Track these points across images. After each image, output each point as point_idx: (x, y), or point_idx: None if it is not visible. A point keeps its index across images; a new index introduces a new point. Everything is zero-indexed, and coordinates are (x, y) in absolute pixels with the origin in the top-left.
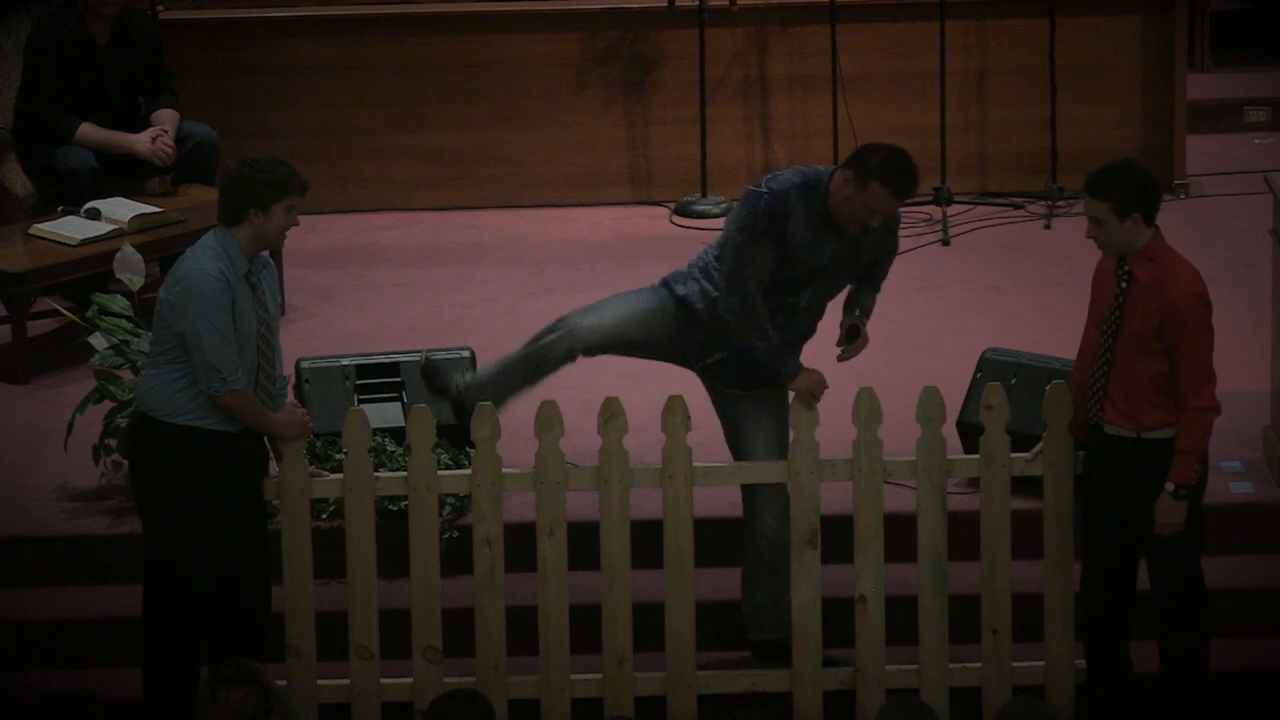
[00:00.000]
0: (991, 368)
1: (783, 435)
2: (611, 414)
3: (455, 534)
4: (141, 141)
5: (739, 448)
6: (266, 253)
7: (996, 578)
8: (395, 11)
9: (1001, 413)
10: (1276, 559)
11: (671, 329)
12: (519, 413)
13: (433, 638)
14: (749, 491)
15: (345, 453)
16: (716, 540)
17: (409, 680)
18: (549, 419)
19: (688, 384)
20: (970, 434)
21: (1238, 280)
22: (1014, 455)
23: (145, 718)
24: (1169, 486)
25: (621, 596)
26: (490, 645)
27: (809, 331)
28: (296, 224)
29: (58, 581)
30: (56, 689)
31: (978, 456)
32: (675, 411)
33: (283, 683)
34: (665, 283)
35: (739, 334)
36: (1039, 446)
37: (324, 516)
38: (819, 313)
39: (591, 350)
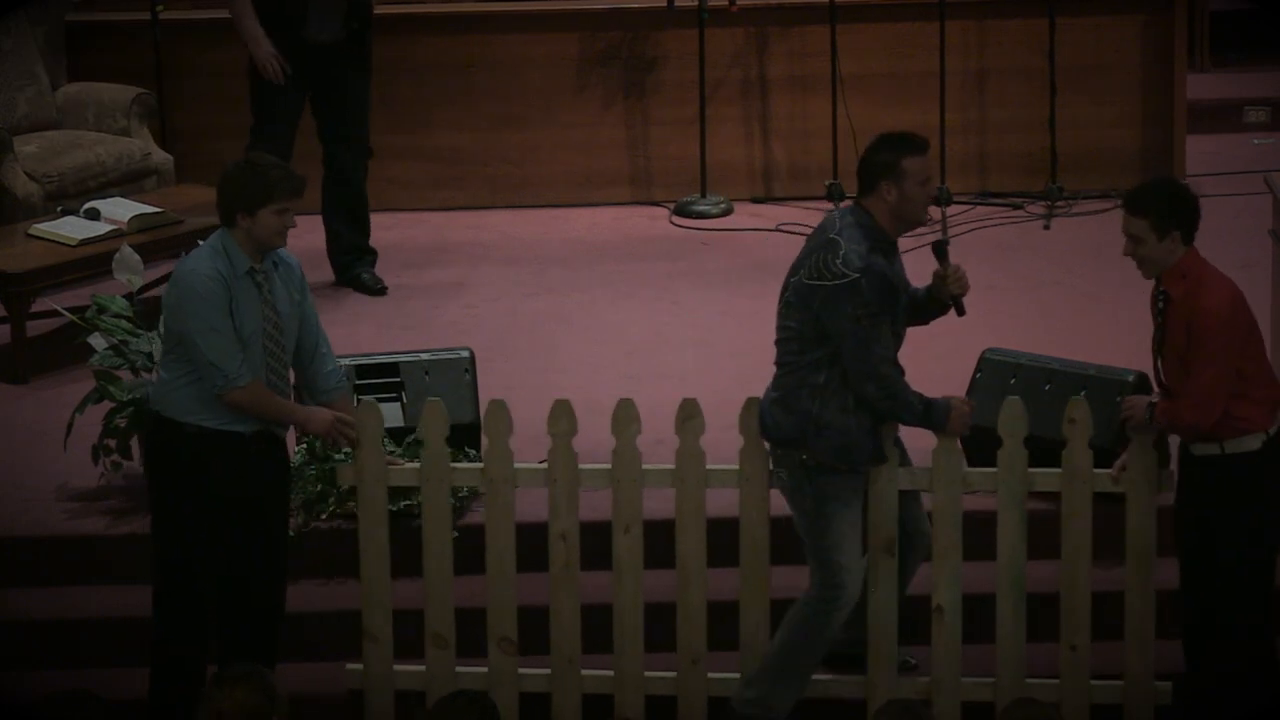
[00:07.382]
0: (991, 368)
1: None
2: (689, 414)
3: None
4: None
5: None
6: (289, 252)
7: (1076, 595)
8: (395, 11)
9: (1084, 427)
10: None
11: (858, 485)
12: (530, 411)
13: (508, 630)
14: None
15: (423, 444)
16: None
17: (483, 669)
18: (626, 417)
19: (689, 385)
20: (970, 435)
21: (1237, 280)
22: (1097, 471)
23: (146, 718)
24: (1153, 402)
25: (696, 596)
26: (564, 640)
27: None
28: (292, 224)
29: (58, 581)
30: (56, 689)
31: (1059, 470)
32: (754, 413)
33: (358, 666)
34: (798, 479)
35: (893, 416)
36: (1121, 460)
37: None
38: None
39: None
